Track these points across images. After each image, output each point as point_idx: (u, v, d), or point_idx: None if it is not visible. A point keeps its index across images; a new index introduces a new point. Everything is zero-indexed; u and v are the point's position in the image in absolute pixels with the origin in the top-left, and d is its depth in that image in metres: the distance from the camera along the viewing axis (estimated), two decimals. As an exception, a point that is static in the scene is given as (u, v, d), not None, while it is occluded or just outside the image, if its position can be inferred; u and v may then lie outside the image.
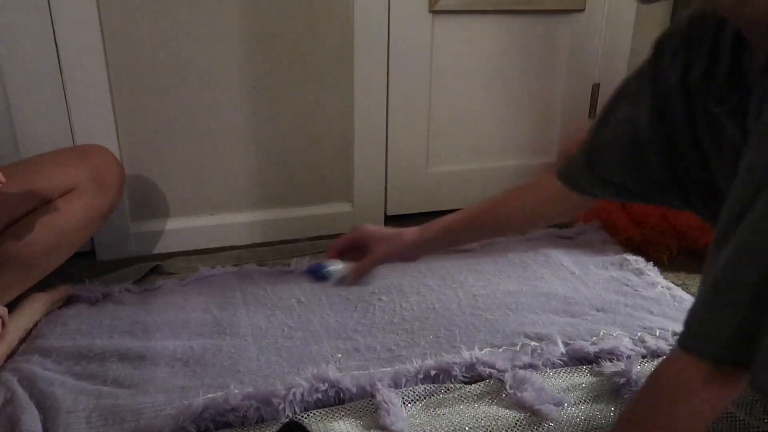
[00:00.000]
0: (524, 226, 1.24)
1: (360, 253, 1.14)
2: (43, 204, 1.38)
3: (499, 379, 1.21)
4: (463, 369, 1.25)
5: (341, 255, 1.16)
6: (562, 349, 1.32)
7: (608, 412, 1.14)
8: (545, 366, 1.28)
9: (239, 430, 1.11)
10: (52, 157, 1.45)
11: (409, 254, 1.15)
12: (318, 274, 1.13)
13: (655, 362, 1.27)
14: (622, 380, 1.20)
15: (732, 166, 0.76)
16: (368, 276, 1.14)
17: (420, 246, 1.14)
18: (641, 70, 0.97)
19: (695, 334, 0.70)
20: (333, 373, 1.20)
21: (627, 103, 0.98)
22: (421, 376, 1.23)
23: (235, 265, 1.73)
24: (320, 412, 1.14)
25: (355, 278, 1.13)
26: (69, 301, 1.52)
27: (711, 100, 0.81)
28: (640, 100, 0.95)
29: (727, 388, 0.71)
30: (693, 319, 0.70)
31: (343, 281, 1.13)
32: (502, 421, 1.11)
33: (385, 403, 1.14)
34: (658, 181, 0.96)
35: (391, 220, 2.05)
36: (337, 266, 1.13)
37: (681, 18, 0.91)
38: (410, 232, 1.14)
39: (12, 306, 1.38)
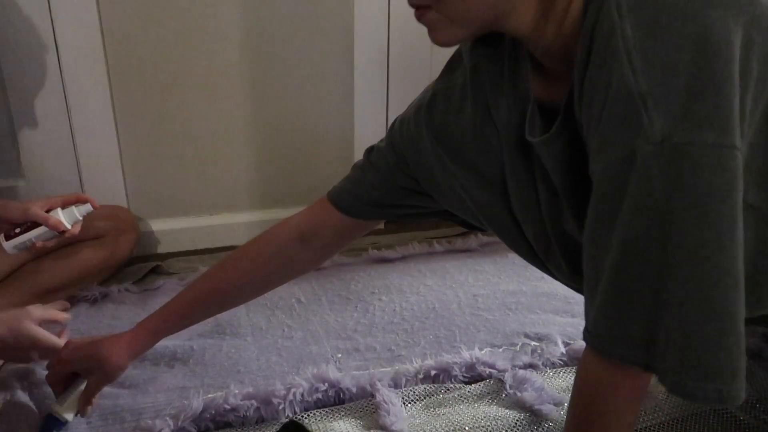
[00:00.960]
0: (265, 285, 1.20)
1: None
2: (72, 244, 1.53)
3: (499, 379, 1.21)
4: (463, 369, 1.25)
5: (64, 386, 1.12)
6: (563, 349, 1.32)
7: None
8: (545, 366, 1.27)
9: (239, 430, 1.10)
10: None
11: (121, 369, 1.11)
12: (52, 425, 1.10)
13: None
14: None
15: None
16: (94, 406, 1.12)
17: (131, 360, 1.11)
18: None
19: (600, 336, 0.70)
20: (333, 373, 1.20)
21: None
22: (421, 376, 1.23)
23: None
24: (320, 412, 1.14)
25: (84, 410, 1.10)
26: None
27: (528, 130, 0.81)
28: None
29: (639, 388, 0.72)
30: (597, 320, 0.70)
31: (74, 415, 1.10)
32: (502, 421, 1.10)
33: (385, 403, 1.13)
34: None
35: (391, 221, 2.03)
36: (59, 407, 1.09)
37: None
38: (120, 348, 1.08)
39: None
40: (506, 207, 0.91)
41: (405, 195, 1.04)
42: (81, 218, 1.29)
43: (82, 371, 1.09)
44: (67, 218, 1.28)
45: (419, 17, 0.75)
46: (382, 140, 1.07)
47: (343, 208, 1.08)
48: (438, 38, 0.75)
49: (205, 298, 1.14)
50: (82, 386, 1.10)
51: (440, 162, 0.95)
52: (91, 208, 1.31)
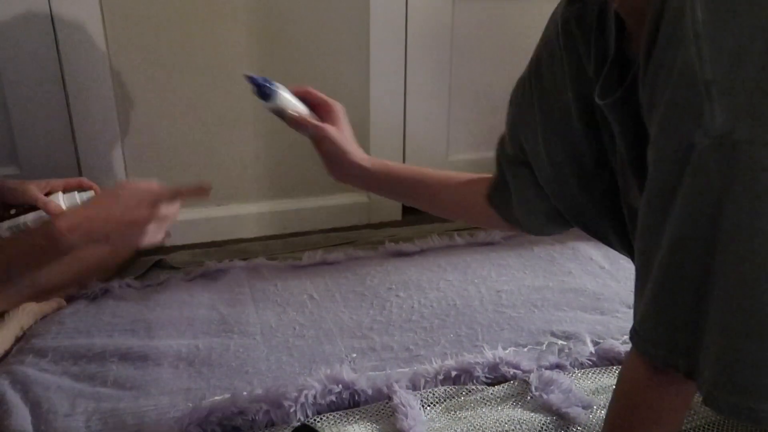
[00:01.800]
0: (454, 215, 1.27)
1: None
2: None
3: (524, 381, 1.20)
4: (486, 369, 1.23)
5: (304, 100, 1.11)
6: (591, 349, 1.31)
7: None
8: (573, 366, 1.26)
9: (247, 434, 1.10)
10: None
11: (342, 169, 1.12)
12: (261, 86, 1.05)
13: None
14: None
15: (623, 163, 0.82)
16: (304, 129, 1.09)
17: (357, 174, 1.13)
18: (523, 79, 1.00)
19: (645, 337, 0.71)
20: (347, 374, 1.18)
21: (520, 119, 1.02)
22: (440, 377, 1.21)
23: (244, 259, 1.73)
24: (333, 416, 1.12)
25: (294, 123, 1.08)
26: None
27: (598, 92, 0.82)
28: (530, 117, 0.97)
29: (685, 393, 0.73)
30: (643, 320, 0.71)
31: (282, 112, 1.06)
32: (527, 425, 1.09)
33: (403, 405, 1.12)
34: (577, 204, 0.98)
35: (409, 211, 2.04)
36: (286, 93, 1.06)
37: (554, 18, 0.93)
38: (359, 156, 1.11)
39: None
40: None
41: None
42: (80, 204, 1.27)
43: (334, 122, 1.10)
44: (67, 203, 1.26)
45: None
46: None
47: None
48: None
49: (428, 189, 1.17)
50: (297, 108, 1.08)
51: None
52: (93, 195, 1.28)
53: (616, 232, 0.93)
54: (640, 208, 0.70)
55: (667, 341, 0.67)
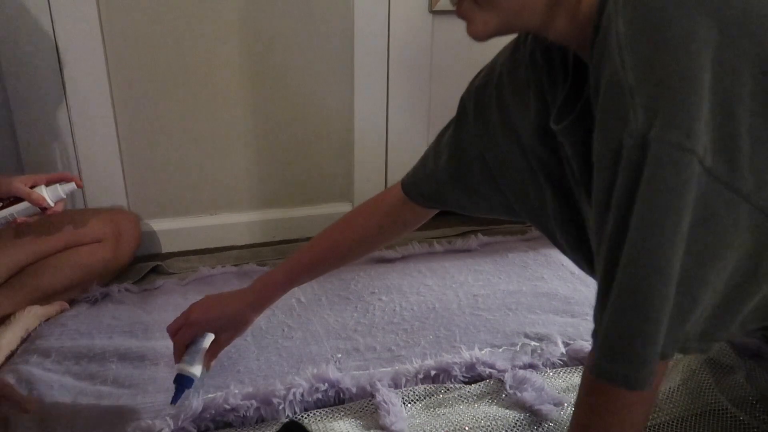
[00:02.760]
0: (363, 249, 1.24)
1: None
2: (73, 246, 1.54)
3: (499, 379, 1.21)
4: (463, 369, 1.25)
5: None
6: (562, 349, 1.32)
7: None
8: (545, 366, 1.27)
9: (239, 430, 1.10)
10: (90, 211, 1.67)
11: (247, 324, 1.21)
12: (184, 384, 1.14)
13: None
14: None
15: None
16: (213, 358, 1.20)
17: (257, 313, 1.20)
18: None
19: (595, 327, 0.71)
20: (333, 373, 1.20)
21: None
22: (421, 376, 1.23)
23: (235, 265, 1.74)
24: (320, 412, 1.14)
25: (209, 365, 1.18)
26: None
27: (553, 117, 0.83)
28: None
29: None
30: (594, 310, 0.71)
31: (202, 372, 1.15)
32: (502, 421, 1.10)
33: (385, 403, 1.13)
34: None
35: None
36: (189, 366, 1.13)
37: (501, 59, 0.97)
38: (244, 306, 1.17)
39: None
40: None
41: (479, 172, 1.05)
42: (65, 196, 1.30)
43: (213, 330, 1.16)
44: (50, 195, 1.28)
45: (457, 13, 0.77)
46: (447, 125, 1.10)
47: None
48: (471, 29, 0.77)
49: (326, 254, 1.19)
50: (205, 344, 1.14)
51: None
52: (75, 187, 1.31)
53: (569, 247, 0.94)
54: (593, 207, 0.71)
55: (597, 326, 0.69)
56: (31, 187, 1.29)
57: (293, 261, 1.20)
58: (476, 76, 1.04)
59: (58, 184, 1.30)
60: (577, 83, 0.83)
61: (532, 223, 1.00)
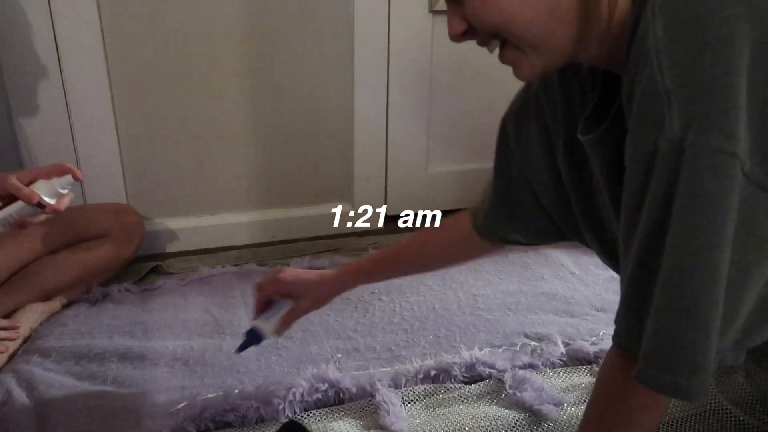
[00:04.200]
0: (441, 265, 1.30)
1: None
2: (78, 242, 1.55)
3: (499, 379, 1.21)
4: (463, 369, 1.25)
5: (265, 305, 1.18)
6: (562, 349, 1.32)
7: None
8: (545, 366, 1.28)
9: (239, 430, 1.10)
10: (92, 207, 1.68)
11: (327, 299, 1.21)
12: (252, 339, 1.13)
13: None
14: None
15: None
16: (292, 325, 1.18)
17: (337, 292, 1.21)
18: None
19: (617, 329, 0.72)
20: (333, 373, 1.20)
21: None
22: (420, 376, 1.23)
23: (235, 265, 1.74)
24: (320, 412, 1.14)
25: (282, 331, 1.16)
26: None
27: (580, 129, 0.84)
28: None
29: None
30: (617, 313, 0.72)
31: (273, 335, 1.15)
32: (501, 421, 1.10)
33: (385, 403, 1.14)
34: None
35: (390, 219, 2.05)
36: (264, 323, 1.13)
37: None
38: (329, 281, 1.18)
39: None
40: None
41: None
42: (64, 191, 1.20)
43: (295, 295, 1.16)
44: (45, 191, 1.18)
45: (501, 59, 0.78)
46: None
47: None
48: (519, 73, 0.78)
49: (410, 256, 1.19)
50: (283, 311, 1.14)
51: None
52: (72, 180, 1.21)
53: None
54: (621, 210, 0.71)
55: (627, 329, 0.69)
56: (32, 182, 1.20)
57: (376, 255, 1.21)
58: (514, 99, 1.04)
59: (55, 179, 1.21)
60: (605, 95, 0.83)
61: (578, 241, 1.02)
